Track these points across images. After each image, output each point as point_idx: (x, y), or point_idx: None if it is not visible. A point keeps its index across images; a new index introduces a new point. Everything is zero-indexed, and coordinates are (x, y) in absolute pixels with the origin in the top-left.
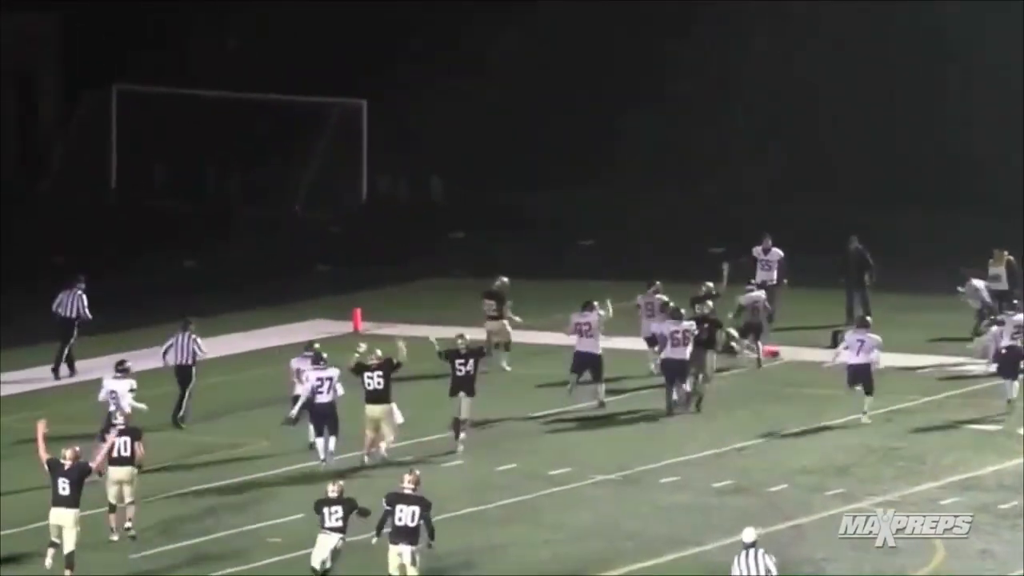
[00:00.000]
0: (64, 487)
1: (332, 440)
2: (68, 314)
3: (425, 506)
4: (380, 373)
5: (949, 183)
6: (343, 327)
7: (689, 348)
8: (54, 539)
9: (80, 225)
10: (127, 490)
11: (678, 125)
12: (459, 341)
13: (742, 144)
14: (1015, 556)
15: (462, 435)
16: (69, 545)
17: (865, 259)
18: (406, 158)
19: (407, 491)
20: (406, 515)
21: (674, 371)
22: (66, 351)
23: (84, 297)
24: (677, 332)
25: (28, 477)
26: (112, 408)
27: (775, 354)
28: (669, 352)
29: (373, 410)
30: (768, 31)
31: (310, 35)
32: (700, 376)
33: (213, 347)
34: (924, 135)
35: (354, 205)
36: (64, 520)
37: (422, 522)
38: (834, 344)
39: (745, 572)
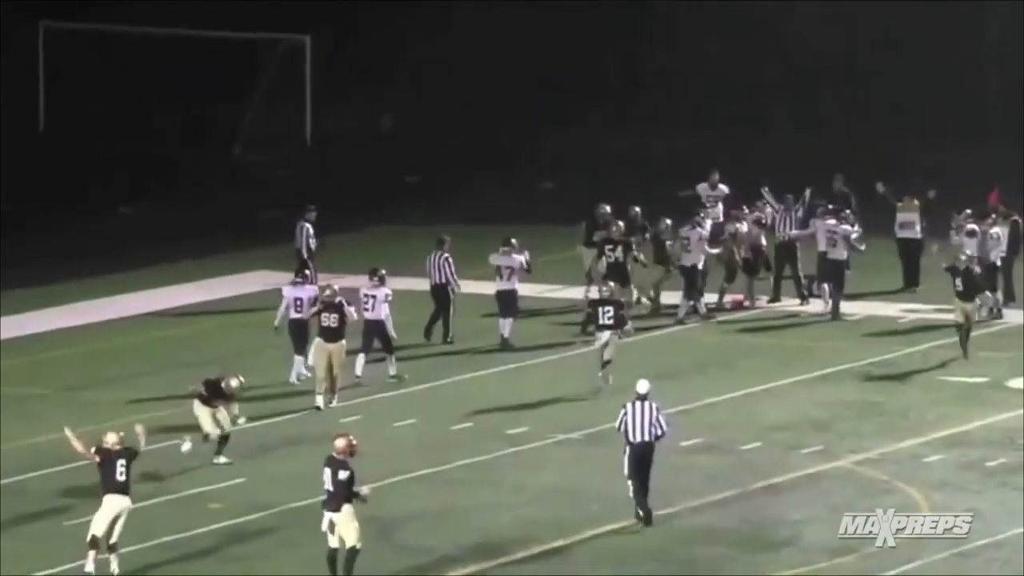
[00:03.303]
0: (122, 473)
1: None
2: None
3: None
4: None
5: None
6: (289, 279)
7: (845, 249)
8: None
9: (7, 170)
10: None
11: (656, 54)
12: (614, 228)
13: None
14: (1003, 516)
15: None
16: (116, 535)
17: (849, 202)
18: (356, 95)
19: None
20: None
21: (830, 272)
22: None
23: (309, 228)
24: (835, 233)
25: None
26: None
27: (741, 304)
28: (831, 253)
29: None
30: None
31: None
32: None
33: (152, 300)
34: None
35: (299, 146)
36: (122, 507)
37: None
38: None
39: (632, 420)
